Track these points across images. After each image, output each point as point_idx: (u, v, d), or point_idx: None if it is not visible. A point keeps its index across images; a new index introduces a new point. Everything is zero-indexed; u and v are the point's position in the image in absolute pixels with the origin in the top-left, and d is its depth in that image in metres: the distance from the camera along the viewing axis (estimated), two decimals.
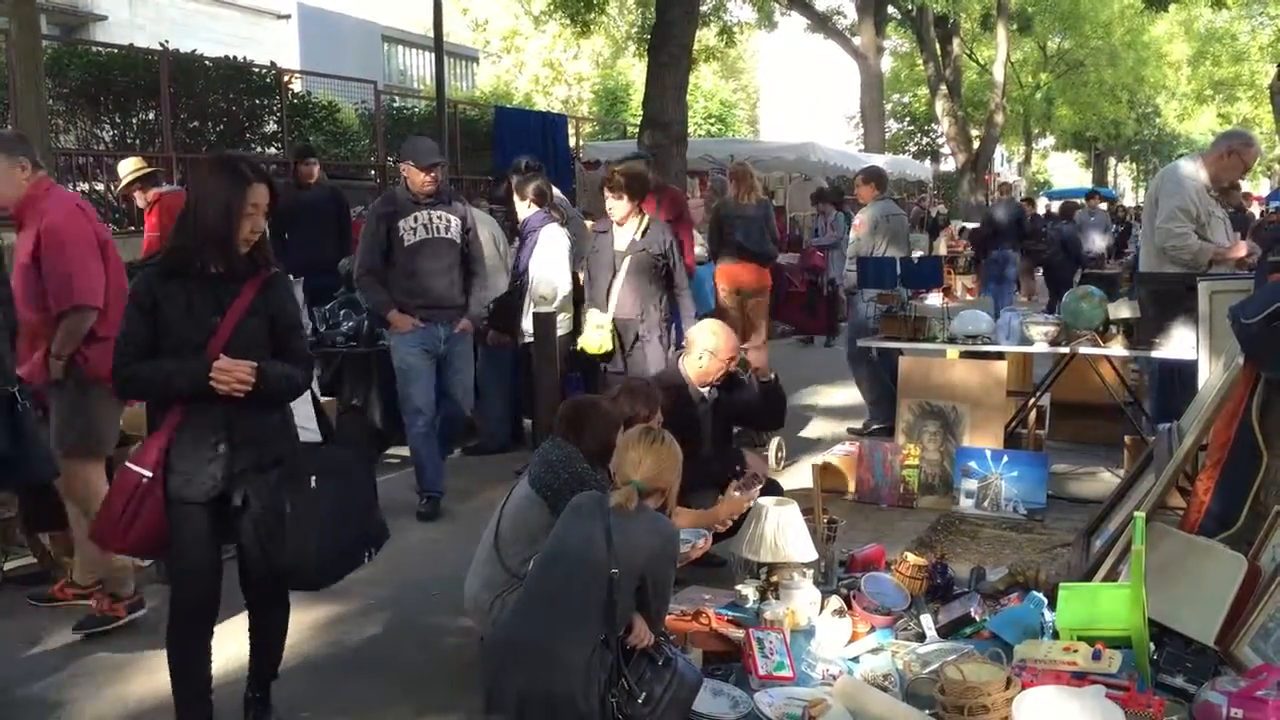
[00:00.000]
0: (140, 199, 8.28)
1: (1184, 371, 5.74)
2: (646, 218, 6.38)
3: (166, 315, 3.23)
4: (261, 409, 3.32)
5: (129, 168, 8.86)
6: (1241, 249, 6.22)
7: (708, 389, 5.29)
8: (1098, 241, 16.70)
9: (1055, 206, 24.63)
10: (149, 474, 3.23)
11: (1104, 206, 19.77)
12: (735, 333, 8.56)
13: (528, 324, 6.59)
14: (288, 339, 3.40)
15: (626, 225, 6.28)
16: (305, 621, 4.58)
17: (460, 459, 7.41)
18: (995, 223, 15.30)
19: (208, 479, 3.27)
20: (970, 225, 22.57)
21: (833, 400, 9.71)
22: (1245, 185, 45.59)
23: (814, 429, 8.48)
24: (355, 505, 3.50)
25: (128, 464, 3.31)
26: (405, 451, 7.55)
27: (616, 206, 6.23)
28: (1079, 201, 17.67)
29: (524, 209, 6.98)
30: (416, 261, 5.96)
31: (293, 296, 3.52)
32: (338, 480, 3.43)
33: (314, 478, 3.35)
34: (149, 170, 8.88)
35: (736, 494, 4.52)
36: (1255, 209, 20.53)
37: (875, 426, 7.94)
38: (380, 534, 3.64)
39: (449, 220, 6.04)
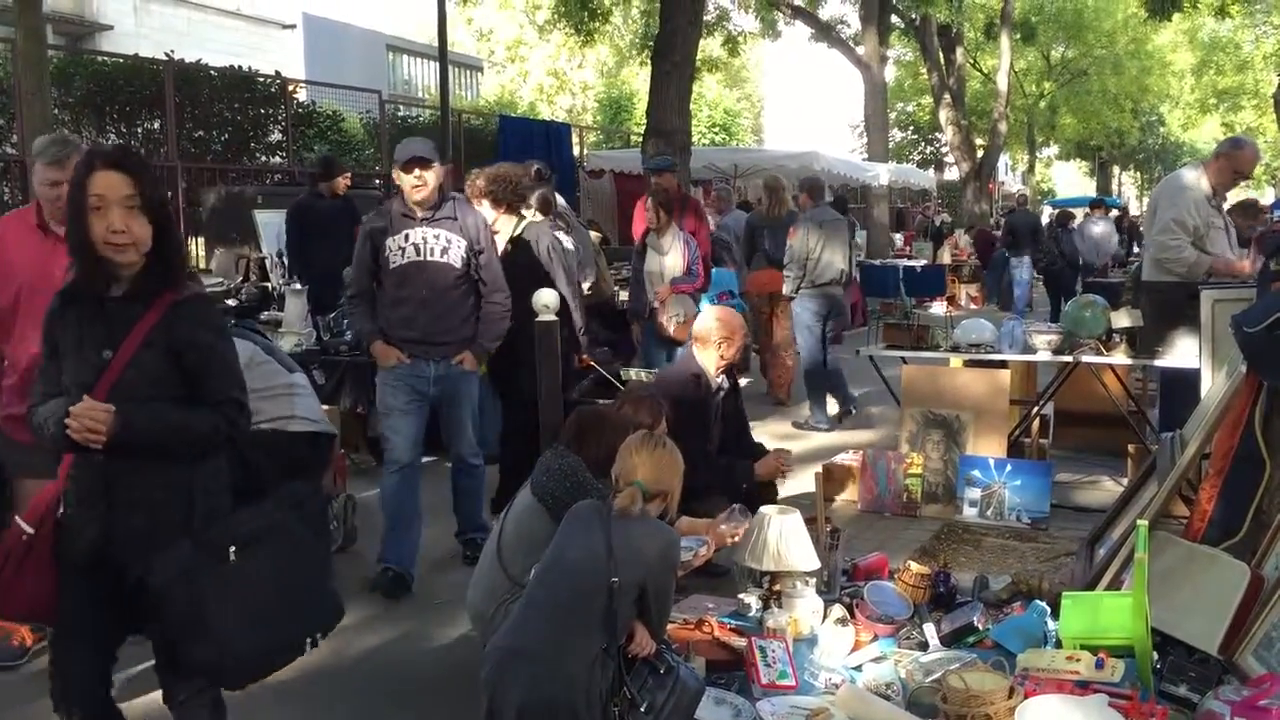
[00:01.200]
0: None
1: (1187, 380, 5.74)
2: (524, 223, 6.26)
3: (62, 350, 2.78)
4: (156, 465, 2.74)
5: None
6: (1245, 265, 6.23)
7: (722, 378, 5.39)
8: (1102, 251, 16.68)
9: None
10: (30, 530, 2.77)
11: (1111, 215, 19.75)
12: (767, 335, 9.79)
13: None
14: (199, 377, 2.78)
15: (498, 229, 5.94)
16: None
17: None
18: (1016, 231, 15.39)
19: (84, 543, 2.76)
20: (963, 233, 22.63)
21: (834, 409, 9.69)
22: (1249, 193, 45.65)
23: (816, 437, 8.47)
24: (294, 581, 2.90)
25: (15, 517, 2.84)
26: None
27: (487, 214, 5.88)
28: (1072, 211, 17.71)
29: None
30: (403, 287, 5.09)
31: (211, 324, 2.88)
32: (271, 550, 2.85)
33: (233, 549, 2.76)
34: None
35: (723, 528, 4.47)
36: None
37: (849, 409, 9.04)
38: (329, 615, 3.08)
39: (448, 240, 5.08)
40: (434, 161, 4.98)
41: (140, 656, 3.34)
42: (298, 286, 8.17)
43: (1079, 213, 19.19)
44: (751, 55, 38.51)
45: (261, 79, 14.25)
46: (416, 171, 4.96)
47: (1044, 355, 6.40)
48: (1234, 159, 6.41)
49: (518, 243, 6.19)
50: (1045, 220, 21.69)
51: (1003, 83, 28.07)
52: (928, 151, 40.74)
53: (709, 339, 5.30)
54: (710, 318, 5.43)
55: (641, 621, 3.32)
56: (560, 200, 8.97)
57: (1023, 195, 20.17)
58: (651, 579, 3.28)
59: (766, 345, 10.08)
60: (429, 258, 5.07)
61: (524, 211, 6.39)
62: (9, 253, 4.09)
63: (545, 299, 4.94)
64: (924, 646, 4.09)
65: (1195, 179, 6.35)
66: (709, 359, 5.28)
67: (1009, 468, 6.11)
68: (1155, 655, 3.63)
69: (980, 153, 28.76)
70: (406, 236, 5.05)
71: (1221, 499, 4.20)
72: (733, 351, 5.35)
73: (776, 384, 9.94)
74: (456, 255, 5.11)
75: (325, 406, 5.93)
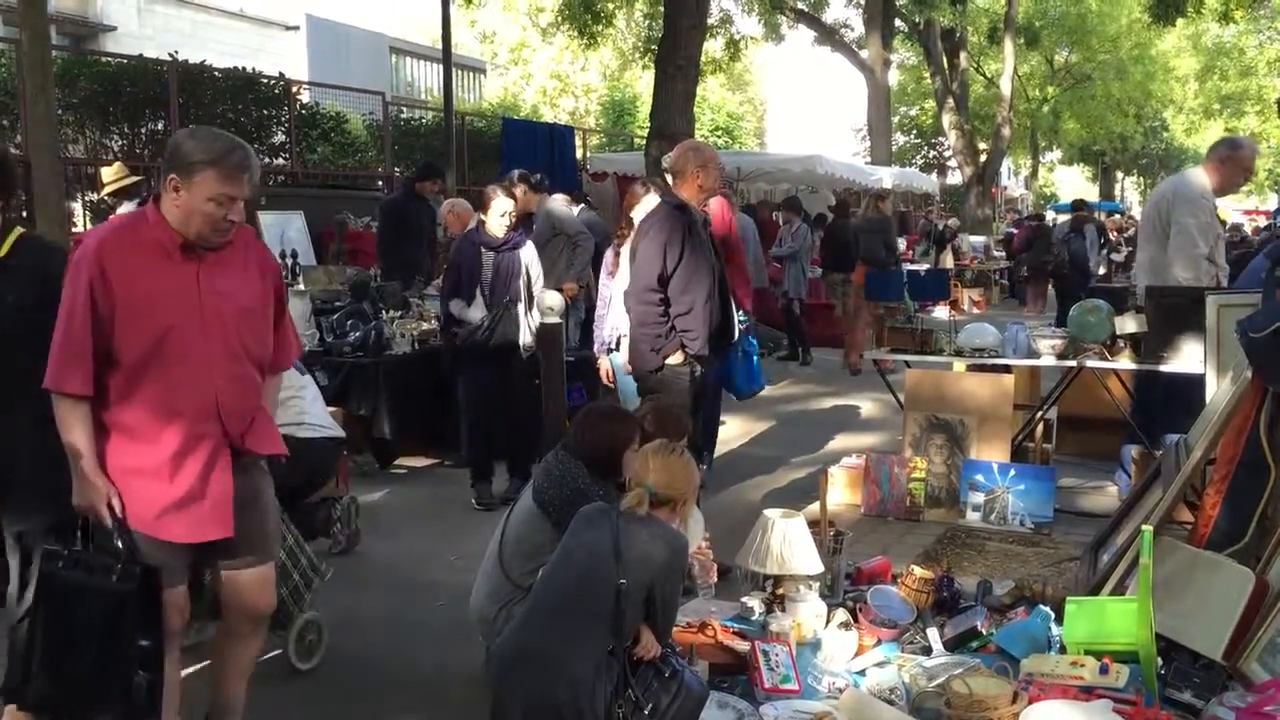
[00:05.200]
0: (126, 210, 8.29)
1: (1175, 383, 5.76)
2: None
3: None
4: None
5: (110, 176, 8.85)
6: None
7: (705, 216, 5.46)
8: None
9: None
10: None
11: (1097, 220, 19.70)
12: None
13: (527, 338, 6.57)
14: None
15: None
16: None
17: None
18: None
19: None
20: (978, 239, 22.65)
21: (837, 414, 9.71)
22: (1253, 199, 45.51)
23: (819, 441, 8.47)
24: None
25: None
26: (412, 462, 7.60)
27: None
28: (1086, 216, 17.66)
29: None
30: None
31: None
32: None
33: None
34: (132, 181, 8.87)
35: (697, 570, 4.44)
36: (1262, 222, 20.47)
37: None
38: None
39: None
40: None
41: None
42: (300, 288, 8.18)
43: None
44: (755, 59, 38.55)
45: (265, 80, 14.26)
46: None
47: (1048, 360, 6.39)
48: (1240, 160, 6.40)
49: None
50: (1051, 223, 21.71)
51: (1006, 87, 28.07)
52: (931, 156, 40.73)
53: (684, 169, 5.25)
54: (678, 148, 5.44)
55: (647, 624, 3.31)
56: (560, 204, 9.01)
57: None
58: (659, 582, 3.28)
59: (846, 323, 12.36)
60: None
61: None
62: (141, 281, 3.04)
63: (549, 301, 4.96)
64: (927, 651, 4.09)
65: (1205, 185, 6.33)
66: (690, 190, 5.25)
67: (1013, 472, 6.10)
68: (1159, 661, 3.63)
69: (983, 157, 28.75)
70: None
71: (1226, 505, 4.20)
72: (711, 180, 5.29)
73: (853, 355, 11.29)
74: None
75: (331, 408, 5.94)
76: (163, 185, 3.08)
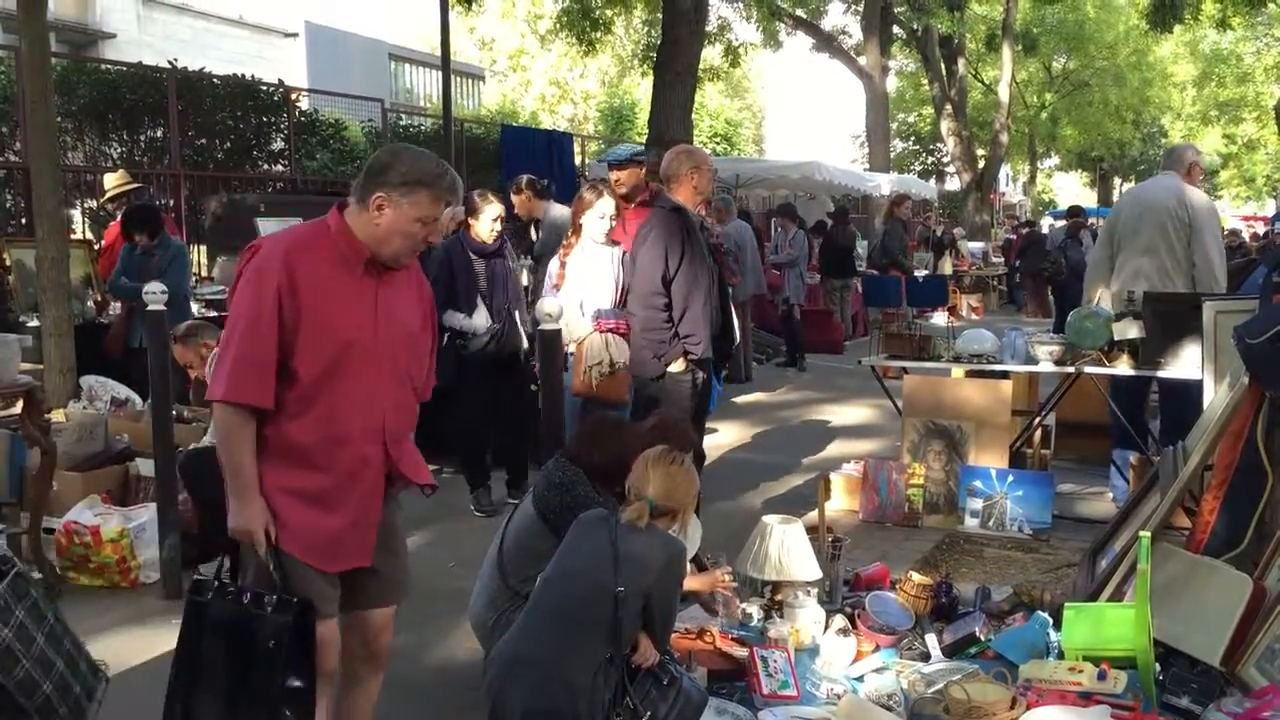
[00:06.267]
0: None
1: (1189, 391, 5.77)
2: None
3: None
4: None
5: (112, 182, 8.89)
6: None
7: (700, 217, 5.44)
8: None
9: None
10: None
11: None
12: None
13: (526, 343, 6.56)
14: None
15: None
16: None
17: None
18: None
19: None
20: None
21: (836, 419, 9.71)
22: (1251, 206, 45.55)
23: (818, 447, 8.48)
24: None
25: None
26: None
27: None
28: (1083, 222, 17.67)
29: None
30: None
31: None
32: None
33: None
34: (134, 187, 8.90)
35: (720, 603, 4.39)
36: (1260, 229, 20.48)
37: None
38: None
39: None
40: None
41: None
42: None
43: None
44: (753, 65, 38.58)
45: (264, 87, 14.27)
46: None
47: (1046, 366, 6.39)
48: (1200, 165, 6.67)
49: None
50: (1045, 230, 21.74)
51: (1004, 94, 28.11)
52: (929, 162, 40.74)
53: (679, 172, 5.24)
54: (670, 153, 5.42)
55: (645, 632, 3.31)
56: (566, 213, 9.01)
57: (1078, 207, 20.21)
58: (657, 589, 3.28)
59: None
60: None
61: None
62: (327, 294, 2.92)
63: (547, 308, 4.94)
64: (926, 657, 4.09)
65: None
66: (685, 193, 5.24)
67: (1011, 478, 6.11)
68: (1157, 667, 3.63)
69: (981, 163, 28.78)
70: None
71: (1224, 511, 4.20)
72: (705, 182, 5.27)
73: None
74: None
75: None
76: (363, 201, 2.94)
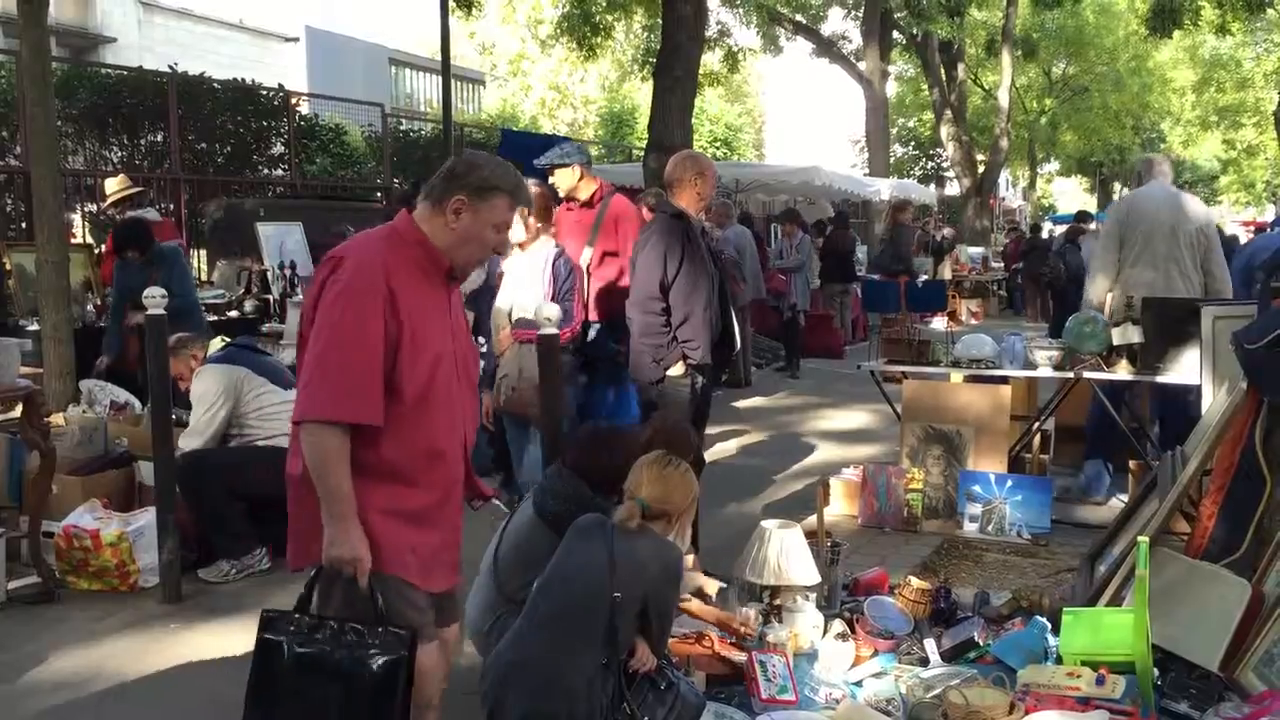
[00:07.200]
0: None
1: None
2: None
3: None
4: None
5: (113, 187, 8.91)
6: None
7: (702, 224, 5.41)
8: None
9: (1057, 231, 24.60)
10: None
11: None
12: None
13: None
14: None
15: None
16: None
17: None
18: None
19: None
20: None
21: (835, 424, 9.71)
22: (1250, 211, 45.54)
23: (817, 452, 8.48)
24: None
25: None
26: None
27: None
28: (1083, 227, 17.68)
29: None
30: None
31: None
32: None
33: None
34: (135, 191, 8.92)
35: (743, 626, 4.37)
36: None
37: None
38: None
39: None
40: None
41: None
42: (299, 299, 8.19)
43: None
44: (753, 70, 38.63)
45: (264, 92, 14.30)
46: None
47: (1045, 371, 6.39)
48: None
49: None
50: (1045, 235, 21.74)
51: (1004, 99, 28.13)
52: (929, 167, 40.78)
53: (682, 177, 5.21)
54: (674, 158, 5.34)
55: (643, 637, 3.31)
56: None
57: (1086, 214, 20.26)
58: (653, 594, 3.28)
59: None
60: None
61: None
62: (420, 306, 2.83)
63: (547, 312, 4.95)
64: (924, 662, 4.09)
65: None
66: (687, 199, 5.22)
67: (1010, 483, 6.10)
68: (1156, 672, 3.63)
69: (981, 168, 28.81)
70: None
71: (1222, 516, 4.21)
72: (708, 188, 5.24)
73: None
74: None
75: None
76: (440, 204, 2.85)
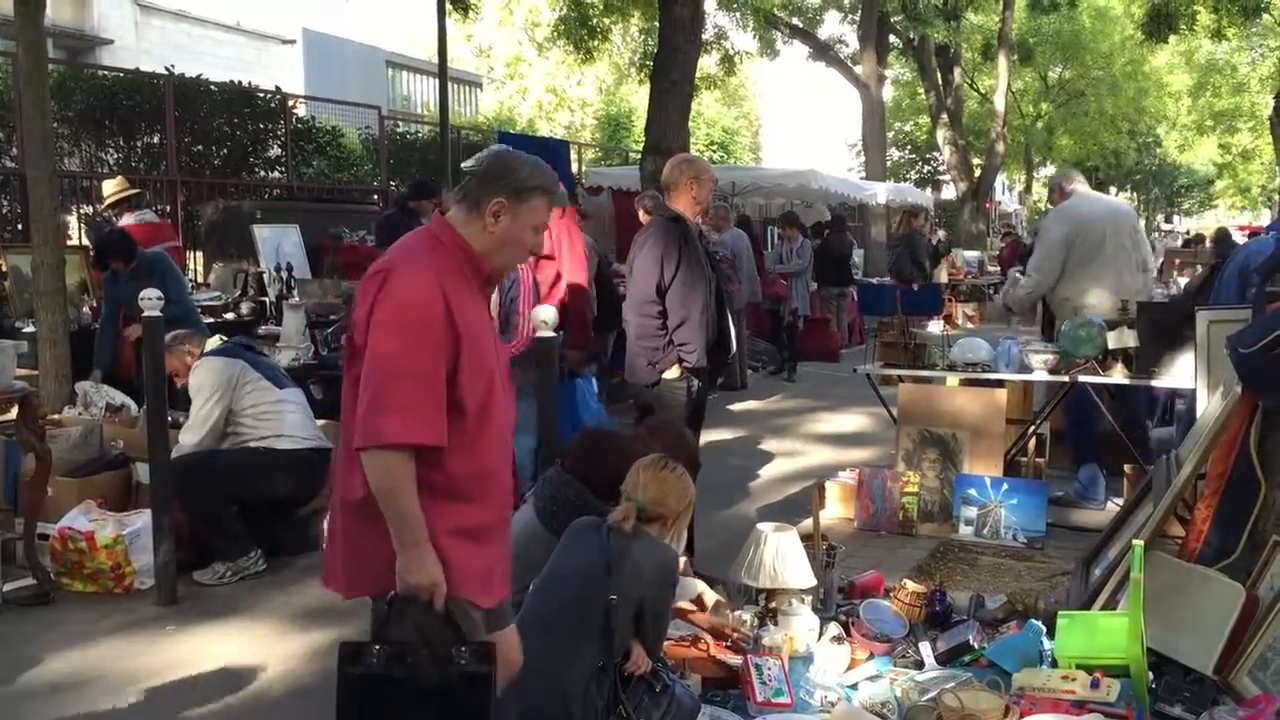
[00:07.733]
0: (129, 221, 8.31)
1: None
2: None
3: None
4: None
5: (111, 189, 8.90)
6: None
7: (699, 227, 5.41)
8: None
9: None
10: None
11: None
12: None
13: None
14: None
15: None
16: (302, 646, 4.59)
17: None
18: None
19: None
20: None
21: (830, 427, 9.72)
22: (1246, 215, 45.56)
23: (812, 455, 8.48)
24: None
25: None
26: None
27: None
28: None
29: None
30: None
31: None
32: None
33: None
34: (132, 193, 8.91)
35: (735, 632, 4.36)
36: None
37: None
38: None
39: None
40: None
41: None
42: (295, 301, 8.18)
43: None
44: (750, 74, 38.64)
45: (261, 94, 14.29)
46: None
47: (1041, 375, 6.40)
48: None
49: None
50: None
51: (1000, 103, 28.17)
52: (925, 171, 40.85)
53: (679, 181, 5.22)
54: (671, 161, 5.38)
55: (638, 639, 3.31)
56: None
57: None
58: (649, 597, 3.28)
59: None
60: None
61: None
62: (472, 317, 2.71)
63: (543, 315, 4.95)
64: (920, 665, 4.10)
65: None
66: (684, 203, 5.23)
67: (1005, 487, 6.11)
68: (1151, 675, 3.64)
69: (977, 172, 28.85)
70: None
71: (1217, 519, 4.22)
72: (705, 192, 5.25)
73: None
74: None
75: (322, 421, 5.95)
76: (477, 206, 2.74)
